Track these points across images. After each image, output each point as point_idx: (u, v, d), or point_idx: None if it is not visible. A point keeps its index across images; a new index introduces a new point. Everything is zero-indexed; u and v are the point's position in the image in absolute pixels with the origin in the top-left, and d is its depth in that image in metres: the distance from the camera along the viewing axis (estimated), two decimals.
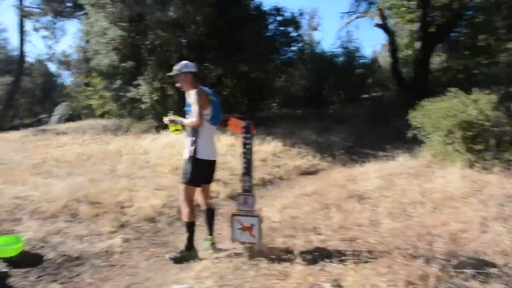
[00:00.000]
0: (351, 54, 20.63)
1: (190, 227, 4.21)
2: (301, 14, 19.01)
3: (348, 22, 23.34)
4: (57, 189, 6.17)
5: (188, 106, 4.16)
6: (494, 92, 7.71)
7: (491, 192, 5.54)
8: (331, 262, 3.72)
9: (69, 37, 65.02)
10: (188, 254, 4.18)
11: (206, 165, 4.21)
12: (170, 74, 4.40)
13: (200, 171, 4.16)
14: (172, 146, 9.90)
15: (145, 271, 4.08)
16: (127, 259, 4.39)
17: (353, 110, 19.42)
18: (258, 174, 7.89)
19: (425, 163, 7.74)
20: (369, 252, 3.92)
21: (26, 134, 14.93)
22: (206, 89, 4.23)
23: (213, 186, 6.90)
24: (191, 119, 4.05)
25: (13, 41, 49.10)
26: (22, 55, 27.64)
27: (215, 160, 4.35)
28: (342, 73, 19.28)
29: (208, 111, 4.12)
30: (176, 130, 4.33)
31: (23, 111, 35.51)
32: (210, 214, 4.48)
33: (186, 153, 4.17)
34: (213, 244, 4.41)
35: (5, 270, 3.88)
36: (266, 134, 11.76)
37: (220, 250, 4.32)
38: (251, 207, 3.96)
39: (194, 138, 4.11)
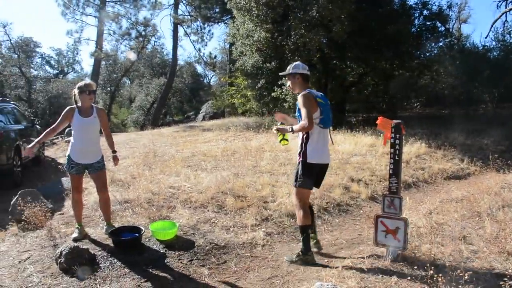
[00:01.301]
0: (508, 48, 18.64)
1: (305, 230, 4.16)
2: (449, 7, 17.78)
3: (506, 11, 21.13)
4: (205, 181, 6.69)
5: (298, 111, 4.08)
6: None
7: None
8: (484, 275, 3.42)
9: (215, 40, 69.70)
10: (304, 258, 4.16)
11: (317, 169, 4.17)
12: (282, 74, 4.44)
13: (312, 175, 4.15)
14: None
15: (286, 265, 4.19)
16: (269, 252, 4.57)
17: (509, 111, 17.49)
18: (403, 176, 7.58)
19: None
20: None
21: (177, 130, 16.37)
22: (314, 91, 4.15)
23: (354, 187, 6.88)
24: (301, 123, 3.94)
25: (167, 46, 54.36)
26: (175, 58, 30.45)
27: (327, 164, 4.28)
28: (496, 69, 17.52)
29: (317, 114, 4.03)
30: (284, 139, 4.23)
31: (174, 109, 39.18)
32: (311, 212, 4.40)
33: (298, 157, 4.20)
34: (317, 242, 4.43)
35: (163, 251, 4.34)
36: (409, 134, 11.22)
37: (362, 252, 4.25)
38: (397, 209, 3.82)
39: (304, 142, 4.11)
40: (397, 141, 3.75)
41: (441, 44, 18.00)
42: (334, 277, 3.64)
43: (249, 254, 4.50)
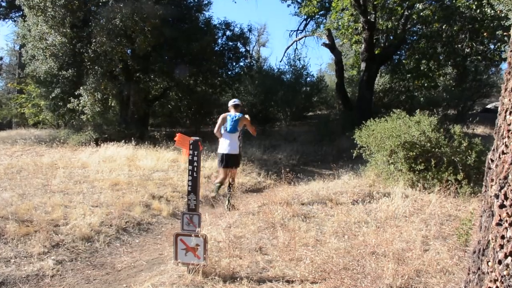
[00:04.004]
0: (298, 72, 21.06)
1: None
2: (250, 30, 19.32)
3: (296, 40, 23.94)
4: None
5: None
6: (434, 114, 8.08)
7: (432, 211, 5.76)
8: (277, 283, 3.69)
9: (2, 39, 61.53)
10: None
11: (221, 156, 7.09)
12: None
13: (219, 160, 7.15)
14: (112, 160, 9.58)
15: None
16: (59, 283, 4.14)
17: (299, 128, 19.72)
18: (201, 191, 7.79)
19: (369, 182, 7.94)
20: (316, 272, 3.92)
21: None
22: (229, 113, 7.19)
23: (155, 204, 6.79)
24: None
25: None
26: None
27: (226, 154, 7.03)
28: (289, 90, 19.58)
29: (225, 125, 7.09)
30: None
31: None
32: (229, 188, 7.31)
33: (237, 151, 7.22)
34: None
35: None
36: (210, 150, 11.67)
37: (163, 272, 4.18)
38: (196, 226, 3.87)
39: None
40: (195, 158, 3.82)
41: (241, 64, 19.40)
42: None
43: None
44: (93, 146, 12.05)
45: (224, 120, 7.15)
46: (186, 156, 3.91)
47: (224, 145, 7.12)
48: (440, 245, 4.51)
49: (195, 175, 3.83)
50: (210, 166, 10.01)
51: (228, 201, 7.25)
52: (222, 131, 7.19)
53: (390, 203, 6.26)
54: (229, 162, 7.11)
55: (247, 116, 7.32)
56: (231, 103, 7.37)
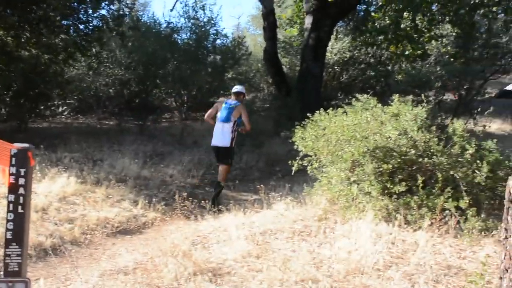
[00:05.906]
0: (202, 30, 21.06)
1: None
2: None
3: None
4: None
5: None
6: (422, 102, 8.01)
7: (420, 260, 5.89)
8: None
9: None
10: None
11: (213, 149, 11.22)
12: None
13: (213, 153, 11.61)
14: None
15: None
16: None
17: (203, 125, 19.76)
18: (32, 236, 7.51)
19: (319, 213, 8.01)
20: None
21: None
22: (225, 99, 11.57)
23: None
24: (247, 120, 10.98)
25: None
26: None
27: (216, 146, 10.69)
28: (186, 60, 19.50)
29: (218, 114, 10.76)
30: None
31: None
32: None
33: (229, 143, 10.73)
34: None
35: None
36: (49, 162, 11.38)
37: None
38: None
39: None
40: (21, 181, 3.69)
41: (104, 12, 19.00)
42: None
43: None
44: None
45: (218, 107, 10.64)
46: (6, 177, 3.76)
47: (214, 136, 10.60)
48: None
49: (20, 210, 3.70)
50: (47, 191, 9.71)
51: (213, 200, 10.05)
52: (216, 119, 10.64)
53: (352, 247, 6.40)
54: (218, 156, 10.63)
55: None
56: (233, 89, 10.98)
